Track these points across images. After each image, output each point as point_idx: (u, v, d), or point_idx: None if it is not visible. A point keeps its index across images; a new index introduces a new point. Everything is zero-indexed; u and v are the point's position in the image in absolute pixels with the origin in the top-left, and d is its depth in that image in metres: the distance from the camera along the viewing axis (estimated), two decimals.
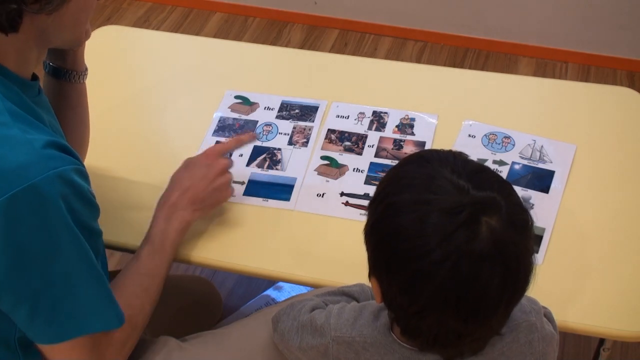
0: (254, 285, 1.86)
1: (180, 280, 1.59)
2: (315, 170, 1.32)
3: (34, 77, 0.99)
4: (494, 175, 0.84)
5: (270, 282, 1.79)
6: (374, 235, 0.83)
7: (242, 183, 1.30)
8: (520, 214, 0.80)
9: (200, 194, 1.16)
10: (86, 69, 1.22)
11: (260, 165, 1.34)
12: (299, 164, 1.33)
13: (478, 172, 0.82)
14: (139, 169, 1.33)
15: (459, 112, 1.42)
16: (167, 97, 1.50)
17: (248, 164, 1.34)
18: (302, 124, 1.41)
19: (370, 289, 1.03)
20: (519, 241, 0.78)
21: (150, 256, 1.09)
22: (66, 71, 1.19)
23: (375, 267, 0.84)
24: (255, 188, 1.29)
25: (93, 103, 1.27)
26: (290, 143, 1.38)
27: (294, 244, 1.20)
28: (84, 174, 0.89)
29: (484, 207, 0.76)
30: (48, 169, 0.83)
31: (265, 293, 1.78)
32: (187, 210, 1.14)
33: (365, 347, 0.90)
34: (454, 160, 0.82)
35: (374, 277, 0.84)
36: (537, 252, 1.15)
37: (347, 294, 1.04)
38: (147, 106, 1.50)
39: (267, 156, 1.35)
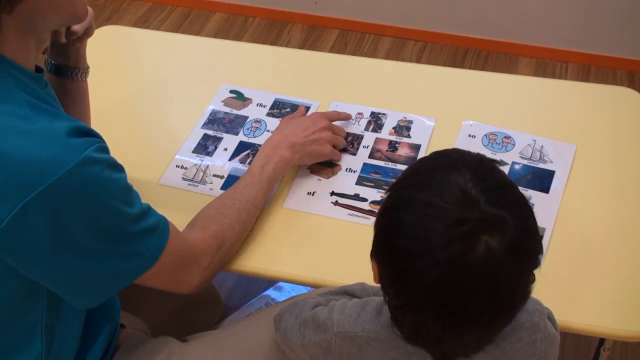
0: (253, 285, 1.86)
1: None
2: (307, 168, 1.31)
3: (39, 70, 0.99)
4: (516, 194, 0.81)
5: (270, 282, 1.79)
6: (380, 220, 0.84)
7: (222, 177, 1.31)
8: (527, 242, 0.78)
9: (300, 140, 1.26)
10: (88, 67, 1.24)
11: (242, 161, 1.34)
12: None
13: (498, 186, 0.80)
14: (138, 168, 1.33)
15: (459, 112, 1.42)
16: (167, 97, 1.50)
17: (231, 159, 1.35)
18: None
19: (371, 288, 1.03)
20: (515, 268, 0.77)
21: (247, 186, 1.18)
22: (68, 68, 1.21)
23: (375, 250, 0.85)
24: (233, 183, 1.29)
25: (93, 102, 1.28)
26: None
27: (293, 244, 1.20)
28: (106, 149, 0.93)
29: (488, 225, 0.75)
30: (78, 153, 0.85)
31: (265, 293, 1.78)
32: (288, 151, 1.24)
33: (368, 342, 0.90)
34: (478, 167, 0.81)
35: (373, 258, 0.85)
36: None
37: (349, 292, 1.04)
38: (147, 106, 1.50)
39: (251, 152, 1.36)
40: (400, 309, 0.82)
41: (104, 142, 0.92)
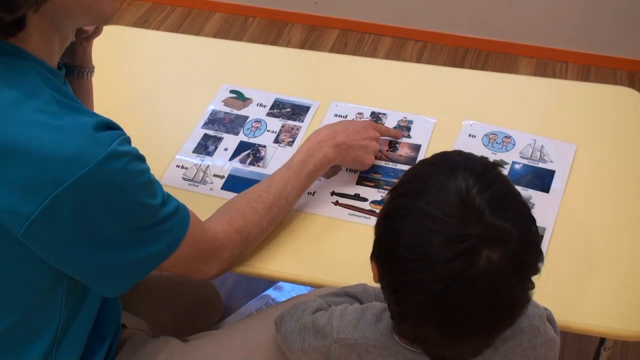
0: (254, 285, 1.86)
1: (180, 280, 1.59)
2: None
3: (59, 67, 1.00)
4: (520, 203, 0.80)
5: (270, 282, 1.79)
6: (380, 226, 0.83)
7: (222, 177, 1.31)
8: (528, 253, 0.78)
9: (348, 141, 1.23)
10: (93, 67, 1.25)
11: (242, 161, 1.34)
12: (281, 162, 1.30)
13: (503, 195, 0.79)
14: None
15: (459, 112, 1.42)
16: (167, 97, 1.51)
17: (231, 159, 1.35)
18: (291, 123, 1.41)
19: (373, 290, 1.03)
20: (515, 281, 0.77)
21: (284, 180, 1.17)
22: (74, 67, 1.21)
23: (375, 255, 0.84)
24: (234, 183, 1.29)
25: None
26: (276, 141, 1.38)
27: (293, 244, 1.20)
28: (128, 140, 0.94)
29: (490, 239, 0.75)
30: (105, 147, 0.87)
31: (265, 293, 1.78)
32: (332, 149, 1.21)
33: (367, 349, 0.90)
34: (482, 172, 0.79)
35: (373, 260, 0.85)
36: None
37: (350, 294, 1.03)
38: (147, 106, 1.50)
39: (251, 152, 1.36)
40: (399, 314, 0.82)
41: (125, 134, 0.93)
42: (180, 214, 0.99)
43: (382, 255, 0.83)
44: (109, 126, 0.91)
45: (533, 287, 0.81)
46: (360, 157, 1.25)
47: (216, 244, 1.07)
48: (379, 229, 0.84)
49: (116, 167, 0.88)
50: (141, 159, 0.95)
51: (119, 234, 0.92)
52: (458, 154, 0.84)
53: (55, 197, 0.84)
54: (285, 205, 1.17)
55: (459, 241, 0.74)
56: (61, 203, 0.84)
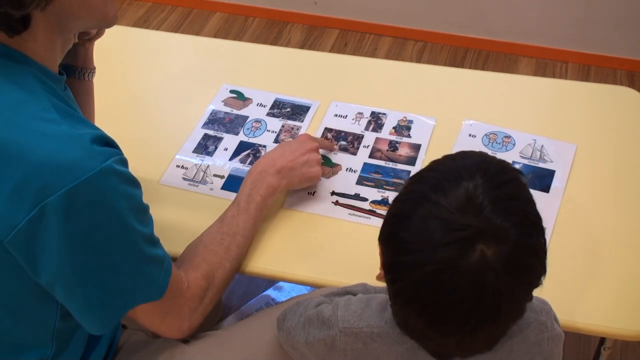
0: (254, 285, 1.86)
1: None
2: None
3: (59, 72, 1.00)
4: (528, 209, 0.80)
5: (270, 282, 1.79)
6: (392, 207, 0.85)
7: (222, 177, 1.31)
8: (526, 259, 0.78)
9: (288, 164, 1.21)
10: (94, 68, 1.25)
11: (243, 161, 1.35)
12: None
13: (509, 197, 0.79)
14: (138, 168, 1.32)
15: (459, 112, 1.42)
16: (167, 97, 1.51)
17: (231, 159, 1.35)
18: (290, 122, 1.41)
19: (373, 289, 1.03)
20: (507, 283, 0.76)
21: (234, 217, 1.14)
22: (76, 68, 1.21)
23: (380, 234, 0.85)
24: (234, 183, 1.29)
25: None
26: (276, 141, 1.38)
27: (293, 243, 1.20)
28: (125, 162, 0.92)
29: (487, 235, 0.75)
30: (100, 162, 0.85)
31: (265, 293, 1.77)
32: (275, 177, 1.19)
33: (373, 337, 0.90)
34: (495, 174, 0.80)
35: (379, 242, 0.86)
36: None
37: (351, 293, 1.03)
38: (147, 106, 1.50)
39: (252, 152, 1.36)
40: (393, 296, 0.84)
41: (123, 154, 0.92)
42: (166, 264, 0.98)
43: (386, 235, 0.84)
44: (107, 142, 0.90)
45: (530, 299, 0.81)
46: (306, 173, 1.22)
47: (187, 293, 1.03)
48: (390, 210, 0.85)
49: (109, 185, 0.86)
50: (134, 183, 0.93)
51: (105, 252, 0.90)
52: (479, 154, 0.85)
53: (44, 206, 0.82)
54: (243, 241, 1.14)
55: (456, 229, 0.76)
56: (50, 212, 0.83)
